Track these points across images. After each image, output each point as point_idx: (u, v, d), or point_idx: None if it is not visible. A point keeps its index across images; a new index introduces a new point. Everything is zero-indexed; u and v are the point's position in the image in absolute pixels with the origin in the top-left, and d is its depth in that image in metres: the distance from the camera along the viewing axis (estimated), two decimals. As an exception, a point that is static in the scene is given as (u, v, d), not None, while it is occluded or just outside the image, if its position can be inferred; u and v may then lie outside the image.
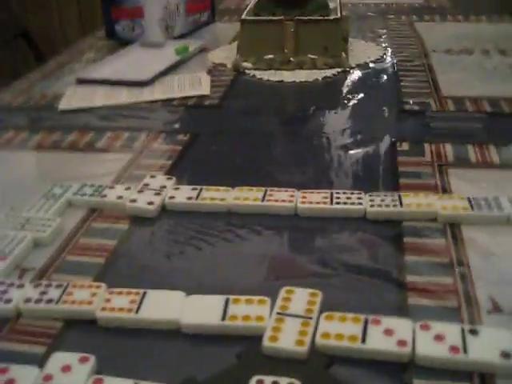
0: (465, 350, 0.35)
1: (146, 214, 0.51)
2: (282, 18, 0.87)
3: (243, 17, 0.88)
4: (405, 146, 0.63)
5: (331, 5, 0.93)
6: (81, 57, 1.04)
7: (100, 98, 0.81)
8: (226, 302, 0.39)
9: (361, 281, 0.43)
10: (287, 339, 0.36)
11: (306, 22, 0.87)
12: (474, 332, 0.36)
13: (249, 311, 0.38)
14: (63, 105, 0.80)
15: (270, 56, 0.88)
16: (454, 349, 0.35)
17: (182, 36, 1.08)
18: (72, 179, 0.58)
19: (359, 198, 0.51)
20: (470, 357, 0.34)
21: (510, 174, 0.57)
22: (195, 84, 0.83)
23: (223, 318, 0.38)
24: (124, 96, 0.81)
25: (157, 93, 0.81)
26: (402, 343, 0.35)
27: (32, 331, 0.39)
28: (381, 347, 0.35)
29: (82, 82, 0.88)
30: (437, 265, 0.44)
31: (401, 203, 0.50)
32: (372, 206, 0.50)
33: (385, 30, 1.08)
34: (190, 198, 0.52)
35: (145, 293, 0.40)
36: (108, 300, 0.40)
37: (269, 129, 0.71)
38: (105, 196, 0.53)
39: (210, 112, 0.76)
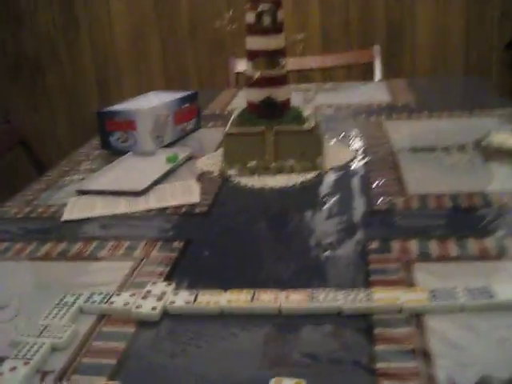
0: (425, 426, 0.42)
1: (150, 318, 0.58)
2: (263, 129, 0.97)
3: (227, 130, 0.98)
4: (375, 244, 0.71)
5: (306, 112, 1.03)
6: (78, 167, 1.13)
7: (99, 208, 0.90)
8: (224, 394, 0.46)
9: (337, 370, 0.50)
10: (276, 423, 0.43)
11: (284, 131, 0.97)
12: (432, 410, 0.43)
13: (243, 401, 0.45)
14: (66, 216, 0.88)
15: (253, 163, 0.97)
16: (415, 425, 0.42)
17: (171, 144, 1.18)
18: (81, 287, 0.65)
19: (335, 296, 0.58)
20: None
21: (468, 265, 0.65)
22: (186, 192, 0.92)
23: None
24: (122, 205, 0.89)
25: (151, 202, 0.90)
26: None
27: (59, 427, 0.46)
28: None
29: (81, 193, 0.96)
30: (402, 352, 0.51)
31: (371, 299, 0.58)
32: (346, 303, 0.57)
33: (356, 131, 1.19)
34: (188, 302, 0.59)
35: (153, 389, 0.47)
36: (122, 397, 0.47)
37: (253, 232, 0.79)
38: (112, 303, 0.60)
39: (201, 219, 0.84)
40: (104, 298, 0.62)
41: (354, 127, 1.22)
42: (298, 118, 1.00)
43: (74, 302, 0.62)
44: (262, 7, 0.95)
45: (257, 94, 0.99)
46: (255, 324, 0.57)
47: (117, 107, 1.19)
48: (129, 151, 1.13)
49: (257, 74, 0.97)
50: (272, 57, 0.98)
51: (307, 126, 0.98)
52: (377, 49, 2.03)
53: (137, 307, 0.59)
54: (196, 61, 2.82)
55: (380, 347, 0.52)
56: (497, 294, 0.57)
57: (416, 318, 0.56)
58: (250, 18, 0.96)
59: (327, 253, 0.70)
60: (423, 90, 1.57)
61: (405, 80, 1.75)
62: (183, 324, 0.58)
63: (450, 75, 2.49)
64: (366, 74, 2.27)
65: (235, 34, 2.45)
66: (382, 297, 0.58)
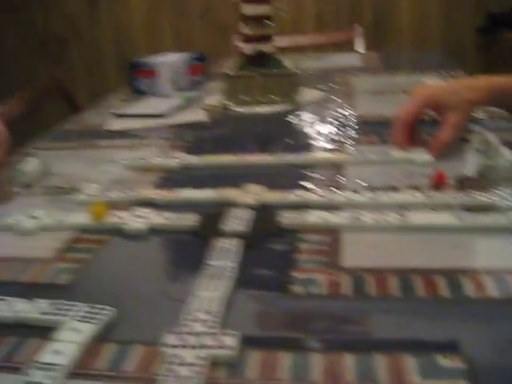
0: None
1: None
2: (253, 72, 1.32)
3: (226, 72, 1.33)
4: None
5: (288, 64, 1.38)
6: (113, 102, 1.48)
7: (134, 124, 1.25)
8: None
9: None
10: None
11: (269, 75, 1.31)
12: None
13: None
14: (109, 127, 1.24)
15: (246, 98, 1.32)
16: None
17: (184, 89, 1.53)
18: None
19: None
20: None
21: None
22: (196, 115, 1.27)
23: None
24: (150, 123, 1.24)
25: (172, 120, 1.25)
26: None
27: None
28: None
29: (119, 116, 1.31)
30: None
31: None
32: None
33: (328, 83, 1.54)
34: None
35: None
36: None
37: (242, 136, 1.14)
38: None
39: (207, 128, 1.19)
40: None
41: (328, 81, 1.57)
42: (281, 66, 1.35)
43: (125, 163, 0.96)
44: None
45: (250, 48, 1.34)
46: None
47: (143, 59, 1.54)
48: (152, 93, 1.48)
49: (250, 32, 1.32)
50: (261, 20, 1.32)
51: (286, 71, 1.33)
52: (357, 28, 2.38)
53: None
54: (203, 40, 3.18)
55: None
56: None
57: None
58: (246, -10, 1.31)
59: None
60: (391, 59, 1.92)
61: (380, 52, 2.09)
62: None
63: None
64: (351, 49, 2.62)
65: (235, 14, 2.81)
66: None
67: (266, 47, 1.34)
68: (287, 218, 0.70)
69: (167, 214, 0.74)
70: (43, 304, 0.58)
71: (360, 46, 2.38)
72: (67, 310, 0.57)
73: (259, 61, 1.34)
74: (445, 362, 0.45)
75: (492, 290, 0.55)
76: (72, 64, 3.39)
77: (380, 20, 3.04)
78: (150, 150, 1.06)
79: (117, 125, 1.25)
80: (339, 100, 1.34)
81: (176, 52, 1.69)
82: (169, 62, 1.50)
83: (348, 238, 0.66)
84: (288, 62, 1.43)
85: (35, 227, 0.76)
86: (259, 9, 1.32)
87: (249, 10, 1.32)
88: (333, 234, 0.67)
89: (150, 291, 0.59)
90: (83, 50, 3.36)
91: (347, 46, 2.56)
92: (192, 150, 1.03)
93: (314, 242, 0.66)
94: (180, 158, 0.96)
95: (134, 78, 1.51)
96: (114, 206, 0.78)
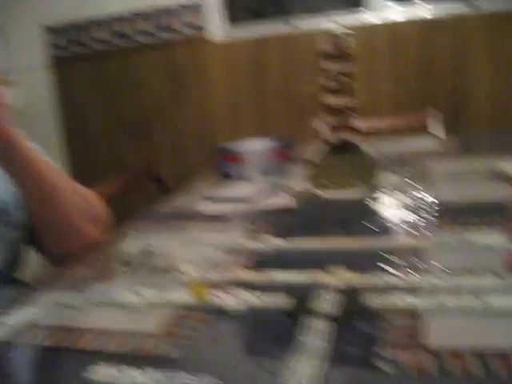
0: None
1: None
2: (336, 161, 1.40)
3: (311, 159, 1.42)
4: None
5: (368, 150, 1.46)
6: (201, 185, 1.59)
7: (223, 207, 1.34)
8: None
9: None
10: None
11: (351, 162, 1.39)
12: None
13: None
14: (199, 210, 1.33)
15: (329, 184, 1.40)
16: None
17: (270, 174, 1.62)
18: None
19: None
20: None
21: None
22: (282, 200, 1.36)
23: None
24: (239, 206, 1.34)
25: (259, 204, 1.34)
26: None
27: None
28: None
29: (208, 199, 1.42)
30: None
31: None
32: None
33: (406, 167, 1.60)
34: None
35: None
36: None
37: (324, 219, 1.22)
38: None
39: (292, 214, 1.27)
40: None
41: (404, 164, 1.63)
42: (361, 152, 1.43)
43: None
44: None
45: (334, 136, 1.43)
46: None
47: (231, 146, 1.65)
48: (238, 178, 1.58)
49: (335, 123, 1.41)
50: (346, 111, 1.41)
51: (367, 157, 1.40)
52: (432, 111, 2.45)
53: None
54: (281, 122, 3.32)
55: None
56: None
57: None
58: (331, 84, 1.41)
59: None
60: (468, 143, 1.97)
61: (457, 136, 2.14)
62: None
63: None
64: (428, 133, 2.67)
65: (314, 101, 2.93)
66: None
67: (349, 136, 1.43)
68: (372, 300, 0.76)
69: (261, 295, 0.81)
70: (157, 375, 0.66)
71: (436, 129, 2.44)
72: (182, 382, 0.64)
73: (342, 148, 1.42)
74: None
75: None
76: (156, 143, 3.58)
77: (457, 103, 3.09)
78: (239, 233, 1.15)
79: (206, 208, 1.35)
80: (417, 184, 1.40)
81: (262, 138, 1.80)
82: (256, 148, 1.60)
83: (430, 321, 0.71)
84: (367, 147, 1.51)
85: (141, 304, 0.85)
86: (343, 100, 1.41)
87: (333, 101, 1.41)
88: (416, 316, 0.73)
89: (250, 366, 0.66)
90: (167, 131, 3.56)
91: (424, 130, 2.62)
92: (279, 233, 1.11)
93: (399, 323, 0.71)
94: (269, 242, 1.04)
95: (222, 163, 1.62)
96: (213, 286, 0.87)
